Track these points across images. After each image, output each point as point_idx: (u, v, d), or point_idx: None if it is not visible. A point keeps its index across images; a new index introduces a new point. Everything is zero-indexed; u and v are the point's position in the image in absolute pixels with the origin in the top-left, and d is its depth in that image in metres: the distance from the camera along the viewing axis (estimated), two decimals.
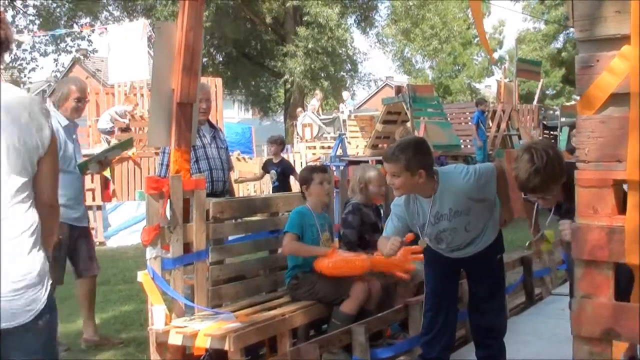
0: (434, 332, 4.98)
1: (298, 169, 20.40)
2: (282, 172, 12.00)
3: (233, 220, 6.11)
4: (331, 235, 6.17)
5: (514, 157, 4.42)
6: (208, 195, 5.79)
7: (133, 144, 11.30)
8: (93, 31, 31.52)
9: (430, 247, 4.96)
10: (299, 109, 28.30)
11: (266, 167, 12.09)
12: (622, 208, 2.98)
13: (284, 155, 22.44)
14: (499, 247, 5.04)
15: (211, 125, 6.98)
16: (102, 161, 6.60)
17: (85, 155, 7.35)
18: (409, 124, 15.58)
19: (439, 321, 4.97)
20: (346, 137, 20.75)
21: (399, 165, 4.49)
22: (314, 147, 21.78)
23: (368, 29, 40.00)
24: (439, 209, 4.66)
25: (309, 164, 6.09)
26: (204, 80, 6.20)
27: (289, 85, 35.75)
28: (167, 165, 6.36)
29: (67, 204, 6.28)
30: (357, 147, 20.86)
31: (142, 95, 18.91)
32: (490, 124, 19.49)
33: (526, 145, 4.43)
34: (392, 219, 4.85)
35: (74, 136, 6.60)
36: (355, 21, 39.17)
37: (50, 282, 2.97)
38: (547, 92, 48.42)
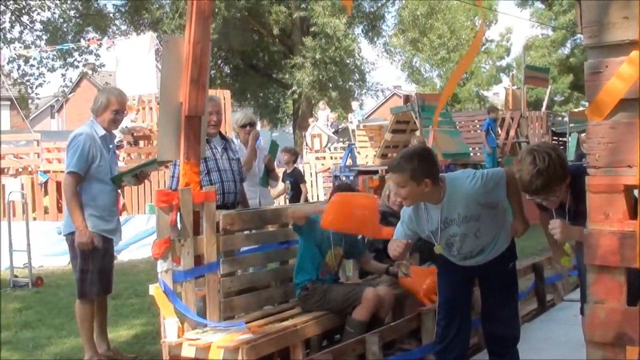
0: (447, 341, 4.96)
1: (308, 181, 20.50)
2: (295, 181, 12.24)
3: (244, 232, 6.12)
4: (343, 253, 6.14)
5: (517, 159, 4.43)
6: (219, 206, 5.80)
7: None
8: (100, 45, 31.62)
9: (443, 256, 4.96)
10: (311, 119, 28.32)
11: (282, 179, 12.22)
12: (633, 213, 2.98)
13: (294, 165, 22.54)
14: (512, 255, 5.01)
15: (222, 137, 6.98)
16: (138, 175, 6.61)
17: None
18: (418, 133, 15.59)
19: (453, 330, 4.95)
20: (355, 147, 20.76)
21: (404, 175, 4.50)
22: (323, 158, 21.79)
23: (375, 39, 40.06)
24: (448, 215, 4.66)
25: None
26: (212, 92, 6.21)
27: (297, 96, 35.80)
28: (178, 178, 6.39)
29: (101, 214, 6.32)
30: (367, 156, 20.85)
31: (150, 108, 18.96)
32: (500, 132, 19.47)
33: (529, 147, 4.45)
34: (401, 225, 4.86)
35: (111, 146, 6.61)
36: (362, 31, 39.24)
37: None
38: (556, 98, 48.30)
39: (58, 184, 14.56)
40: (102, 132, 6.39)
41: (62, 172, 14.35)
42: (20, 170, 16.02)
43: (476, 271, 4.96)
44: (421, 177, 4.49)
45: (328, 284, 5.80)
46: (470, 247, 4.80)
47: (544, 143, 4.51)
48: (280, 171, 11.37)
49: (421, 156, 4.61)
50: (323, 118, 26.74)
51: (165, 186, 12.70)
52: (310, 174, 19.85)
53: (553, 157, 4.20)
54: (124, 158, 15.67)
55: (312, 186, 19.94)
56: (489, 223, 4.75)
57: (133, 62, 18.83)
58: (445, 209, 4.64)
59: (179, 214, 5.31)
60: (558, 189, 4.30)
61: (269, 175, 7.96)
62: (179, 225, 5.35)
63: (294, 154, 12.90)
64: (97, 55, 34.09)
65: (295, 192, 12.44)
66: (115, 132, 17.01)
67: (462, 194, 4.61)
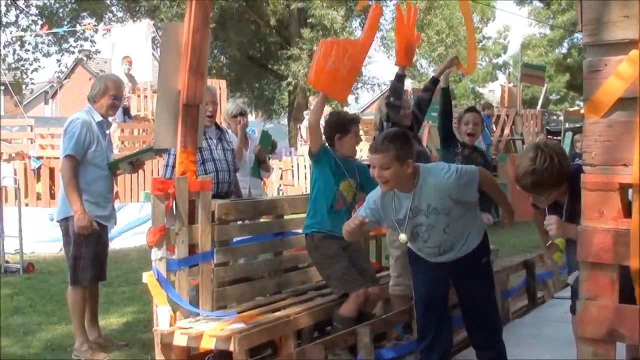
0: (430, 338, 4.95)
1: (302, 173, 20.49)
2: None
3: (239, 222, 6.12)
4: (356, 186, 6.04)
5: (524, 149, 4.44)
6: (213, 196, 5.80)
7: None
8: (96, 32, 31.53)
9: (415, 253, 4.98)
10: (306, 111, 28.28)
11: None
12: (627, 211, 3.00)
13: (288, 158, 22.49)
14: (484, 252, 5.01)
15: (217, 127, 6.98)
16: (134, 162, 6.61)
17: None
18: None
19: (433, 327, 4.94)
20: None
21: (389, 155, 4.50)
22: None
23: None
24: (417, 204, 4.66)
25: (340, 113, 6.07)
26: (208, 82, 6.20)
27: (292, 88, 35.72)
28: (173, 167, 6.37)
29: (96, 200, 6.32)
30: (362, 150, 20.81)
31: (145, 97, 18.90)
32: (495, 129, 19.48)
33: (537, 143, 4.45)
34: (364, 209, 4.83)
35: (107, 132, 6.63)
36: (360, 24, 39.12)
37: None
38: (551, 97, 48.36)
39: (51, 170, 14.54)
40: (99, 118, 6.40)
41: (55, 158, 14.38)
42: (14, 155, 15.98)
43: (449, 268, 4.94)
44: (405, 157, 4.51)
45: (335, 250, 5.76)
46: (437, 240, 4.78)
47: (554, 144, 4.48)
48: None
49: (403, 137, 4.64)
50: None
51: (159, 175, 12.70)
52: (305, 166, 19.84)
53: (554, 163, 4.19)
54: (117, 146, 15.61)
55: (305, 179, 19.94)
56: (458, 219, 4.75)
57: (129, 50, 18.73)
58: (417, 198, 4.64)
59: (174, 202, 5.31)
60: (547, 192, 4.31)
61: (260, 165, 7.96)
62: (174, 214, 5.36)
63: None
64: (93, 42, 34.00)
65: None
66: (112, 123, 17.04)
67: (435, 184, 4.62)
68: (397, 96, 6.25)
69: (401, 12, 6.37)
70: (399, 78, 6.36)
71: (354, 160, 6.24)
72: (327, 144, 5.94)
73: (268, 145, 8.30)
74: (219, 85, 17.74)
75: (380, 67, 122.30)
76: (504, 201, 5.26)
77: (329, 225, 5.75)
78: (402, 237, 4.77)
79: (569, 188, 4.35)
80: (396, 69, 6.47)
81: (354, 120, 6.12)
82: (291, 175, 21.56)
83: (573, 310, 4.75)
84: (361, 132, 18.77)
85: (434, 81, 6.77)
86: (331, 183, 5.82)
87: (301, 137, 24.80)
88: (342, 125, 5.97)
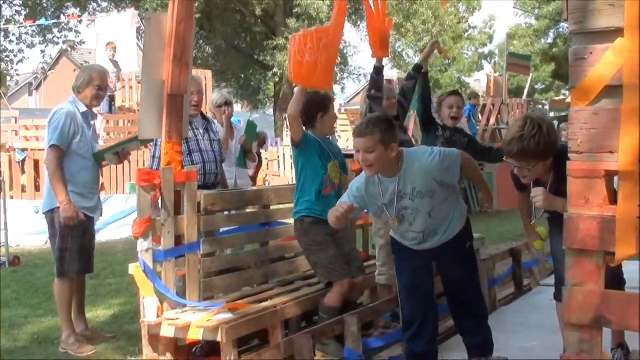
0: (416, 326, 4.93)
1: (288, 164, 20.47)
2: None
3: (225, 213, 6.11)
4: (342, 167, 6.03)
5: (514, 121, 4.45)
6: (200, 187, 5.78)
7: None
8: (81, 22, 31.36)
9: (398, 242, 4.98)
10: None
11: None
12: (613, 198, 3.01)
13: (274, 148, 22.48)
14: (467, 236, 5.03)
15: (204, 118, 6.96)
16: (120, 153, 6.58)
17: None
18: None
19: (418, 315, 4.93)
20: (336, 131, 20.73)
21: (374, 138, 4.49)
22: None
23: (359, 22, 39.89)
24: (402, 188, 4.66)
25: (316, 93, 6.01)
26: (193, 72, 6.17)
27: (278, 79, 35.64)
28: (160, 158, 6.36)
29: (81, 191, 6.30)
30: (348, 140, 20.85)
31: (130, 87, 18.83)
32: (481, 118, 19.54)
33: (527, 114, 4.47)
34: (347, 196, 4.81)
35: (92, 123, 6.61)
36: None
37: None
38: (537, 86, 48.50)
39: (36, 162, 14.47)
40: (83, 108, 6.38)
41: (40, 150, 14.30)
42: None
43: (433, 253, 4.94)
44: (389, 141, 4.51)
45: (324, 237, 5.72)
46: (423, 225, 4.78)
47: (543, 116, 4.49)
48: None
49: (387, 121, 4.66)
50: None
51: (145, 166, 12.65)
52: (291, 156, 19.81)
53: (543, 131, 4.16)
54: (103, 138, 15.55)
55: (292, 169, 19.91)
56: (442, 203, 4.76)
57: (114, 40, 18.65)
58: (402, 182, 4.65)
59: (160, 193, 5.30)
60: (533, 162, 4.27)
61: (246, 155, 7.94)
62: (159, 205, 5.34)
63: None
64: (77, 32, 33.84)
65: None
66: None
67: (419, 167, 4.63)
68: (377, 88, 6.26)
69: (369, 5, 6.34)
70: (378, 70, 6.36)
71: (332, 141, 6.27)
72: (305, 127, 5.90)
73: (254, 135, 8.27)
74: (204, 76, 17.68)
75: (366, 57, 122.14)
76: (483, 186, 5.35)
77: (318, 210, 5.72)
78: (393, 221, 4.77)
79: (554, 167, 4.35)
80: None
81: (331, 98, 6.13)
82: (277, 166, 21.58)
83: (557, 297, 4.77)
84: (347, 122, 18.86)
85: (418, 69, 6.77)
86: (319, 167, 5.79)
87: (287, 127, 24.79)
88: (323, 103, 5.95)
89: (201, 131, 6.75)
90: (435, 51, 7.04)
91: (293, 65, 5.48)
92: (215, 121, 7.50)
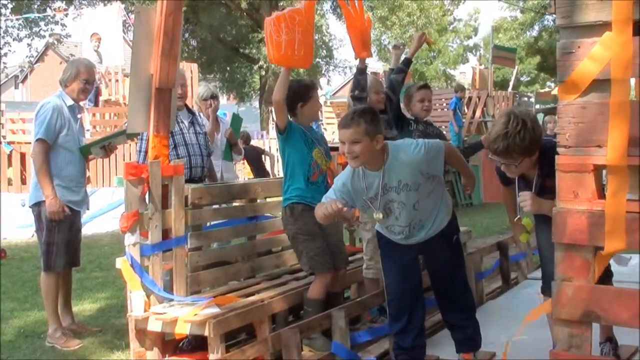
0: (404, 320, 4.93)
1: (275, 156, 20.41)
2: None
3: (212, 206, 6.10)
4: (326, 154, 5.99)
5: (497, 117, 4.41)
6: (186, 181, 5.76)
7: None
8: (67, 15, 31.21)
9: (384, 235, 4.98)
10: None
11: None
12: (602, 193, 3.01)
13: (260, 142, 22.44)
14: (453, 229, 5.04)
15: (189, 111, 6.93)
16: (106, 146, 6.56)
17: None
18: None
19: (405, 310, 4.93)
20: (322, 124, 20.72)
21: (359, 129, 4.45)
22: None
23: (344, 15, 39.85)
24: (388, 181, 4.63)
25: (299, 81, 5.95)
26: (179, 65, 6.15)
27: (264, 72, 35.59)
28: (146, 152, 6.35)
29: (68, 185, 6.29)
30: (334, 133, 20.84)
31: (117, 80, 18.77)
32: (466, 110, 19.58)
33: (510, 109, 4.42)
34: (333, 191, 4.76)
35: (79, 116, 6.60)
36: (331, 7, 39.04)
37: None
38: (522, 79, 48.63)
39: (22, 156, 14.41)
40: (70, 102, 6.37)
41: (26, 143, 14.23)
42: None
43: (420, 248, 4.94)
44: (374, 132, 4.48)
45: (313, 226, 5.61)
46: (409, 218, 4.75)
47: (527, 111, 4.47)
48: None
49: (372, 113, 4.62)
50: None
51: (131, 160, 12.61)
52: (277, 149, 19.77)
53: (527, 127, 4.12)
54: (89, 131, 15.49)
55: (277, 162, 19.88)
56: (428, 195, 4.75)
57: (100, 33, 18.58)
58: (387, 175, 4.62)
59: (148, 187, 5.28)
60: (519, 157, 4.25)
61: (231, 149, 7.92)
62: (147, 199, 5.33)
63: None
64: (64, 25, 33.68)
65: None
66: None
67: (405, 160, 4.60)
68: (360, 89, 6.24)
69: (346, 6, 6.29)
70: (360, 71, 6.33)
71: (314, 129, 6.26)
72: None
73: (239, 128, 8.26)
74: (190, 69, 17.62)
75: (352, 50, 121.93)
76: (466, 171, 5.33)
77: (308, 197, 5.68)
78: (378, 215, 4.74)
79: (538, 161, 4.35)
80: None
81: (313, 86, 6.05)
82: (263, 158, 21.54)
83: (544, 291, 4.78)
84: (333, 115, 18.85)
85: (407, 63, 6.77)
86: (305, 153, 5.75)
87: (273, 120, 24.77)
88: (304, 93, 5.90)
89: (186, 124, 6.72)
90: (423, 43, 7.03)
91: (273, 47, 5.44)
92: (201, 114, 7.48)
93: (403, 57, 6.90)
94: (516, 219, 4.74)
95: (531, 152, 4.25)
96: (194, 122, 6.84)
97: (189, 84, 16.92)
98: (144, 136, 6.21)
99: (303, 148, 5.75)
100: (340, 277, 5.91)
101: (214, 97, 7.76)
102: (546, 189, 4.14)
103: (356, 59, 6.42)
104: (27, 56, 36.08)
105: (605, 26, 2.95)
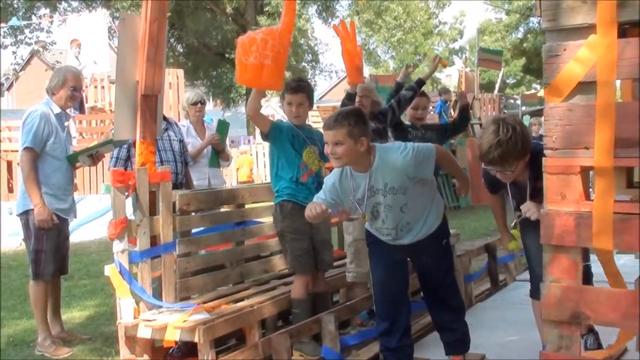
0: (390, 321, 4.92)
1: (261, 162, 20.42)
2: None
3: (200, 213, 6.09)
4: (321, 154, 5.85)
5: (483, 127, 4.42)
6: None
7: None
8: (52, 22, 31.13)
9: (373, 235, 4.98)
10: (264, 99, 28.20)
11: None
12: (589, 194, 3.03)
13: (247, 147, 22.41)
14: (444, 233, 5.01)
15: (164, 118, 6.89)
16: (94, 155, 6.54)
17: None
18: None
19: (391, 311, 4.93)
20: (309, 125, 20.68)
21: (342, 131, 4.44)
22: None
23: (329, 19, 39.93)
24: (374, 183, 4.62)
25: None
26: (165, 71, 6.13)
27: None
28: (125, 160, 6.39)
29: (55, 193, 6.27)
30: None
31: (102, 87, 18.73)
32: (453, 113, 19.60)
33: (495, 117, 4.43)
34: (323, 192, 4.77)
35: (66, 124, 6.58)
36: (316, 11, 39.09)
37: None
38: (508, 81, 48.78)
39: (9, 164, 14.36)
40: (57, 110, 6.35)
41: (13, 151, 14.19)
42: None
43: (409, 250, 4.93)
44: (358, 135, 4.47)
45: (302, 225, 5.57)
46: (395, 220, 4.74)
47: (512, 116, 4.48)
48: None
49: (358, 115, 4.60)
50: (276, 98, 26.65)
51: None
52: (264, 154, 19.80)
53: (517, 131, 4.16)
54: (76, 138, 15.44)
55: (265, 167, 19.90)
56: (416, 199, 4.73)
57: (85, 40, 18.54)
58: (373, 178, 4.61)
59: (134, 193, 5.27)
60: (515, 163, 4.28)
61: (218, 155, 7.90)
62: (131, 206, 5.32)
63: None
64: (49, 32, 33.62)
65: None
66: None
67: (393, 164, 4.58)
68: None
69: (340, 32, 6.30)
70: (349, 96, 6.37)
71: (312, 128, 6.25)
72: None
73: (226, 134, 8.23)
74: (176, 75, 17.63)
75: (337, 55, 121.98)
76: (460, 174, 5.24)
77: (300, 196, 5.66)
78: (363, 217, 4.77)
79: (529, 164, 4.36)
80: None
81: (286, 87, 5.95)
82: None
83: (533, 294, 4.80)
84: (319, 119, 18.80)
85: (420, 83, 6.85)
86: (292, 156, 5.73)
87: None
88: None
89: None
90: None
91: (238, 68, 5.44)
92: (185, 121, 7.50)
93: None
94: (511, 228, 4.77)
95: (524, 155, 4.29)
96: (168, 129, 6.81)
97: (175, 90, 16.99)
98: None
99: (290, 150, 5.73)
100: (320, 278, 5.90)
101: (203, 102, 7.76)
102: (538, 191, 4.17)
103: (350, 84, 6.45)
104: (12, 64, 35.98)
105: (590, 29, 2.97)
